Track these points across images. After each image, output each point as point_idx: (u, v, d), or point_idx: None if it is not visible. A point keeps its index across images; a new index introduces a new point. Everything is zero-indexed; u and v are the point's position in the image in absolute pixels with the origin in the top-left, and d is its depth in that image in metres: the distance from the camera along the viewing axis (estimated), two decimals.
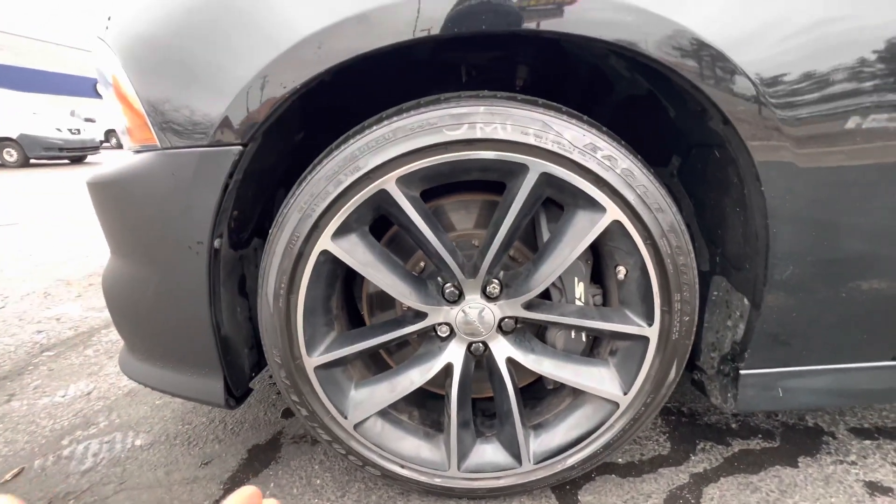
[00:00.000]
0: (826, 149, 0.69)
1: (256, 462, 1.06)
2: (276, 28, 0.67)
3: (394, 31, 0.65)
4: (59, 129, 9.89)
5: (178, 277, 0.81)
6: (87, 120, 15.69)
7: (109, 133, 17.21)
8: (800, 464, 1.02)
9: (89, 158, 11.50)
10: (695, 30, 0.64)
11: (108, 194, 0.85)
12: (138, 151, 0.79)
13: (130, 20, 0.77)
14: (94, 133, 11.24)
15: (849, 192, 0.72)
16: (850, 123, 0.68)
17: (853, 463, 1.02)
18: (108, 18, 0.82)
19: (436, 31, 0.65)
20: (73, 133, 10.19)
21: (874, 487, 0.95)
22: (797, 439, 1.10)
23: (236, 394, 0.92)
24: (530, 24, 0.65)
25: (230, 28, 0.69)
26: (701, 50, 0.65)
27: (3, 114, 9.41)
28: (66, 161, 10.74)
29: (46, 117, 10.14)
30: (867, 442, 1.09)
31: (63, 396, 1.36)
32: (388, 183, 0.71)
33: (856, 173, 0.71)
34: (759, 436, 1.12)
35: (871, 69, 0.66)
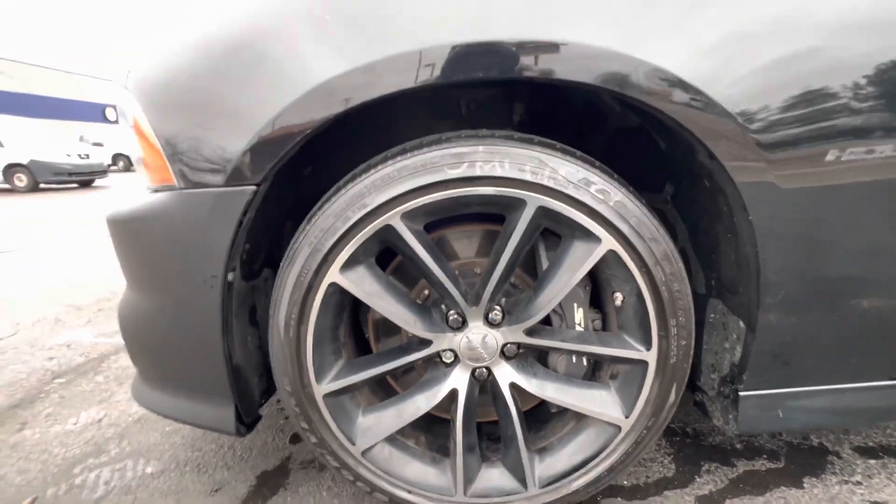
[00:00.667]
0: (807, 182, 0.72)
1: (265, 489, 1.08)
2: (292, 75, 0.72)
3: (397, 80, 0.70)
4: (68, 155, 10.11)
5: (192, 309, 0.85)
6: (96, 144, 16.05)
7: (117, 157, 17.56)
8: (805, 484, 1.03)
9: (97, 182, 11.71)
10: (673, 70, 0.68)
11: (126, 231, 0.89)
12: (157, 191, 0.83)
13: (150, 69, 0.83)
14: (102, 157, 11.48)
15: (831, 220, 0.75)
16: (830, 153, 0.72)
17: (858, 483, 1.03)
18: (128, 72, 0.87)
19: (433, 79, 0.70)
20: (82, 158, 10.41)
21: None
22: (802, 459, 1.11)
23: (246, 421, 0.94)
24: (520, 73, 0.70)
25: (246, 75, 0.74)
26: (681, 89, 0.69)
27: (13, 140, 9.64)
28: (75, 185, 10.94)
29: (56, 143, 10.39)
30: (872, 461, 1.09)
31: (75, 424, 1.38)
32: (393, 218, 0.75)
33: (838, 201, 0.74)
34: (764, 456, 1.12)
35: (852, 99, 0.69)
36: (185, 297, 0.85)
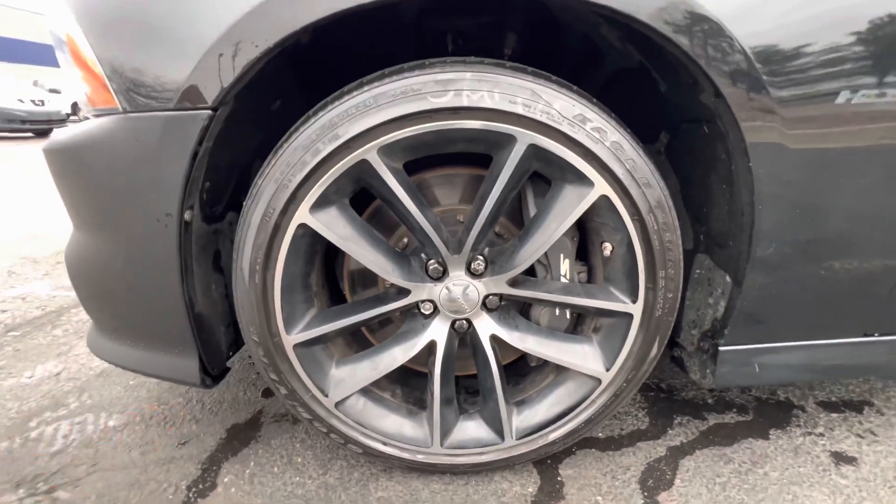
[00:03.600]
0: (813, 129, 0.68)
1: (236, 441, 1.04)
2: None
3: None
4: (21, 101, 9.32)
5: (146, 251, 0.77)
6: (52, 91, 14.80)
7: (76, 105, 16.33)
8: (771, 436, 1.06)
9: (55, 131, 10.92)
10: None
11: (66, 162, 0.79)
12: (98, 115, 0.73)
13: None
14: (60, 105, 10.63)
15: (833, 170, 0.72)
16: (841, 104, 0.67)
17: (821, 434, 1.06)
18: None
19: None
20: (37, 105, 9.62)
21: (839, 457, 0.99)
22: (769, 413, 1.14)
23: (213, 373, 0.89)
24: None
25: None
26: (697, 21, 0.62)
27: None
28: (31, 135, 10.17)
29: (7, 87, 9.53)
30: (834, 415, 1.13)
31: (30, 377, 1.30)
32: (370, 153, 0.68)
33: (842, 154, 0.71)
34: (734, 410, 1.15)
35: (868, 49, 0.65)
36: (137, 237, 0.76)
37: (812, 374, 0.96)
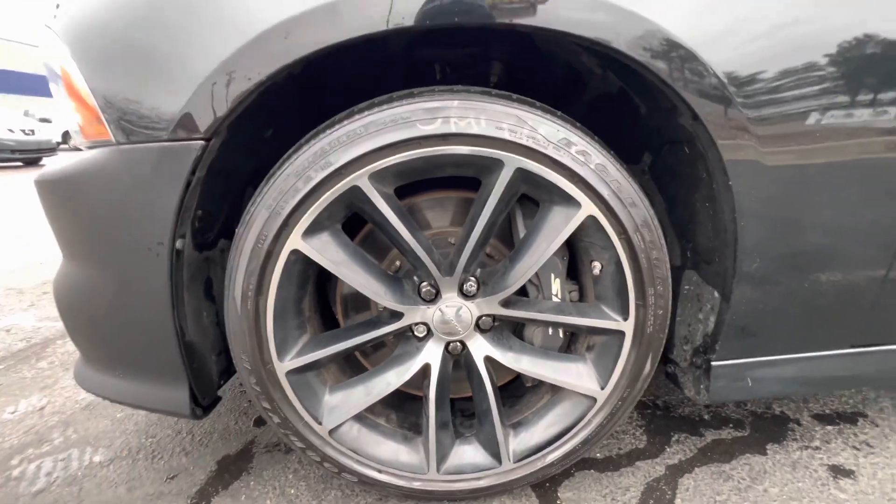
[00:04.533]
0: (789, 148, 0.71)
1: (227, 474, 1.01)
2: (242, 16, 0.64)
3: (366, 22, 0.63)
4: (11, 130, 9.31)
5: (137, 281, 0.77)
6: (43, 120, 14.83)
7: (67, 134, 16.35)
8: (768, 451, 1.06)
9: (45, 160, 10.88)
10: (666, 28, 0.65)
11: (58, 193, 0.79)
12: (91, 147, 0.74)
13: (81, 6, 0.72)
14: (50, 134, 10.63)
15: (810, 188, 0.75)
16: (812, 122, 0.71)
17: (817, 448, 1.06)
18: (57, 6, 0.76)
19: (409, 22, 0.63)
20: (27, 134, 9.62)
21: (837, 471, 0.99)
22: (765, 427, 1.14)
23: (203, 403, 0.87)
24: (503, 19, 0.65)
25: (192, 14, 0.65)
26: (672, 48, 0.66)
27: None
28: (20, 164, 10.13)
29: None
30: (829, 427, 1.14)
31: (13, 413, 1.26)
32: (361, 179, 0.69)
33: (817, 169, 0.74)
34: (731, 425, 1.15)
35: (834, 70, 0.68)
36: (128, 266, 0.76)
37: (805, 387, 0.97)
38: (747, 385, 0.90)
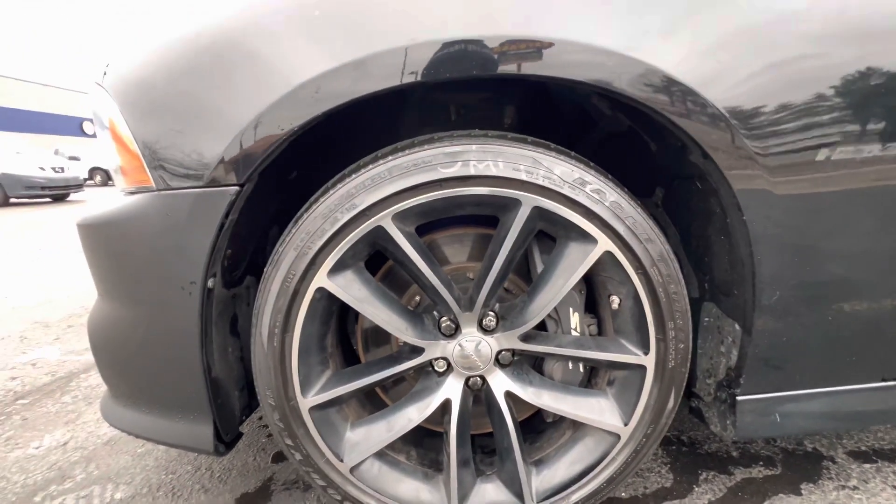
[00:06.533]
0: (799, 177, 0.73)
1: None
2: (277, 71, 0.69)
3: (386, 75, 0.68)
4: (42, 168, 9.80)
5: (169, 318, 0.80)
6: (72, 158, 15.61)
7: (93, 171, 17.12)
8: (803, 491, 1.01)
9: (73, 196, 11.36)
10: (667, 70, 0.68)
11: (99, 236, 0.84)
12: (132, 193, 0.79)
13: (128, 65, 0.79)
14: (78, 171, 11.17)
15: (824, 218, 0.75)
16: (820, 154, 0.72)
17: (855, 488, 1.02)
18: (107, 65, 0.84)
19: (419, 77, 0.68)
20: (57, 171, 10.10)
21: None
22: (798, 465, 1.09)
23: (226, 439, 0.88)
24: (510, 68, 0.69)
25: (229, 72, 0.71)
26: (676, 90, 0.69)
27: None
28: (48, 199, 10.59)
29: (29, 156, 10.07)
30: (866, 465, 1.09)
31: (37, 448, 1.28)
32: (384, 220, 0.73)
33: (829, 201, 0.74)
34: (761, 463, 1.11)
35: (835, 103, 0.71)
36: (161, 305, 0.80)
37: (835, 423, 0.94)
38: (776, 421, 0.88)
